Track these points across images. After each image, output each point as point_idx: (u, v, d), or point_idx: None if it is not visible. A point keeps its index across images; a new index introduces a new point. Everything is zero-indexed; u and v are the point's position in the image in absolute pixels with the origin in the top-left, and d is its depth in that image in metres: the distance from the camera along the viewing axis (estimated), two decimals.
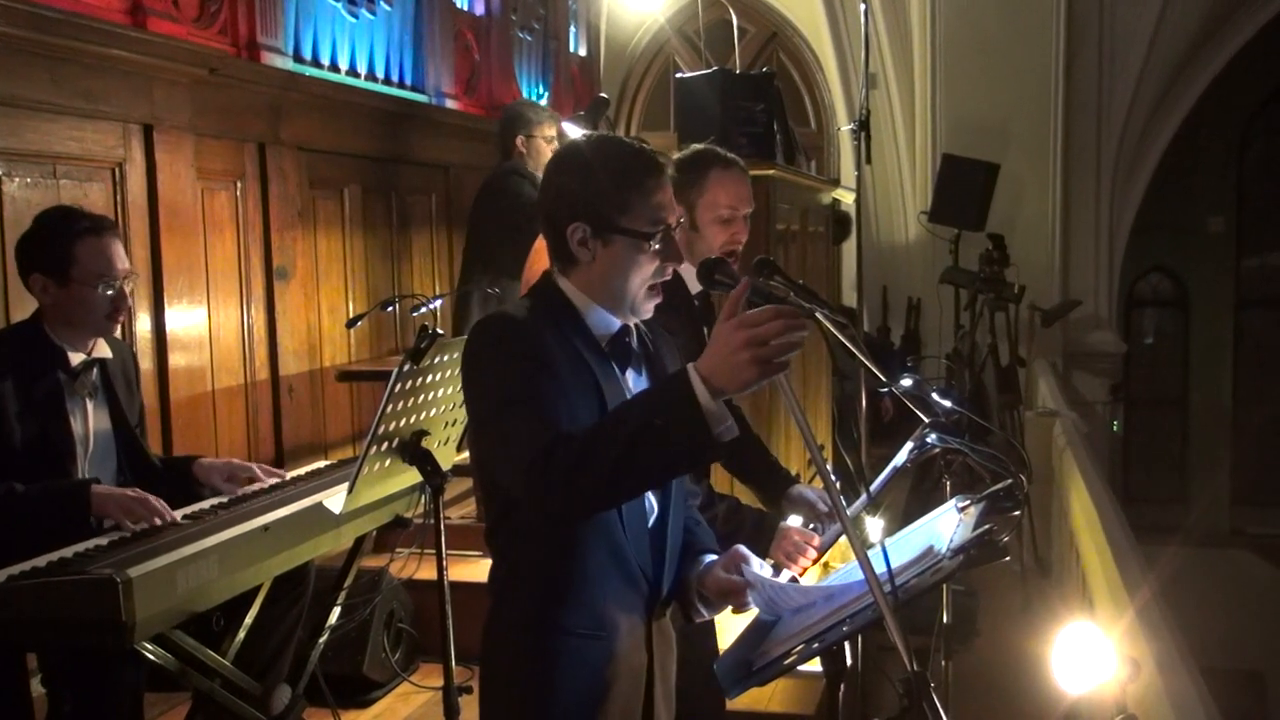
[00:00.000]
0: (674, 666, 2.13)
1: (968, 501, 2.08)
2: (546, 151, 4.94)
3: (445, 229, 6.32)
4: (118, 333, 3.13)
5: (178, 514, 2.78)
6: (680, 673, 2.16)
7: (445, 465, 2.71)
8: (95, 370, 2.92)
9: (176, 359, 4.28)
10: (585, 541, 1.91)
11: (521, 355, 1.84)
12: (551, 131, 4.96)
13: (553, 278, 2.00)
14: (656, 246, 1.93)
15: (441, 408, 2.72)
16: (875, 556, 1.81)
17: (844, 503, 1.85)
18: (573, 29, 8.63)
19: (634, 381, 2.01)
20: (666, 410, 1.67)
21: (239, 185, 4.73)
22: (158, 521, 2.69)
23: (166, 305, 4.24)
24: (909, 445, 2.68)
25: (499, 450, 1.86)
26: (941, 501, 2.31)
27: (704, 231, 2.63)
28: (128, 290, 2.90)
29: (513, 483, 1.81)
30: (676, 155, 2.58)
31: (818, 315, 2.06)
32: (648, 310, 1.99)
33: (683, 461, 1.74)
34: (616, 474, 1.70)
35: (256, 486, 3.07)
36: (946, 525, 1.96)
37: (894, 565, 1.84)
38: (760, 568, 2.02)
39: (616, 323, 1.98)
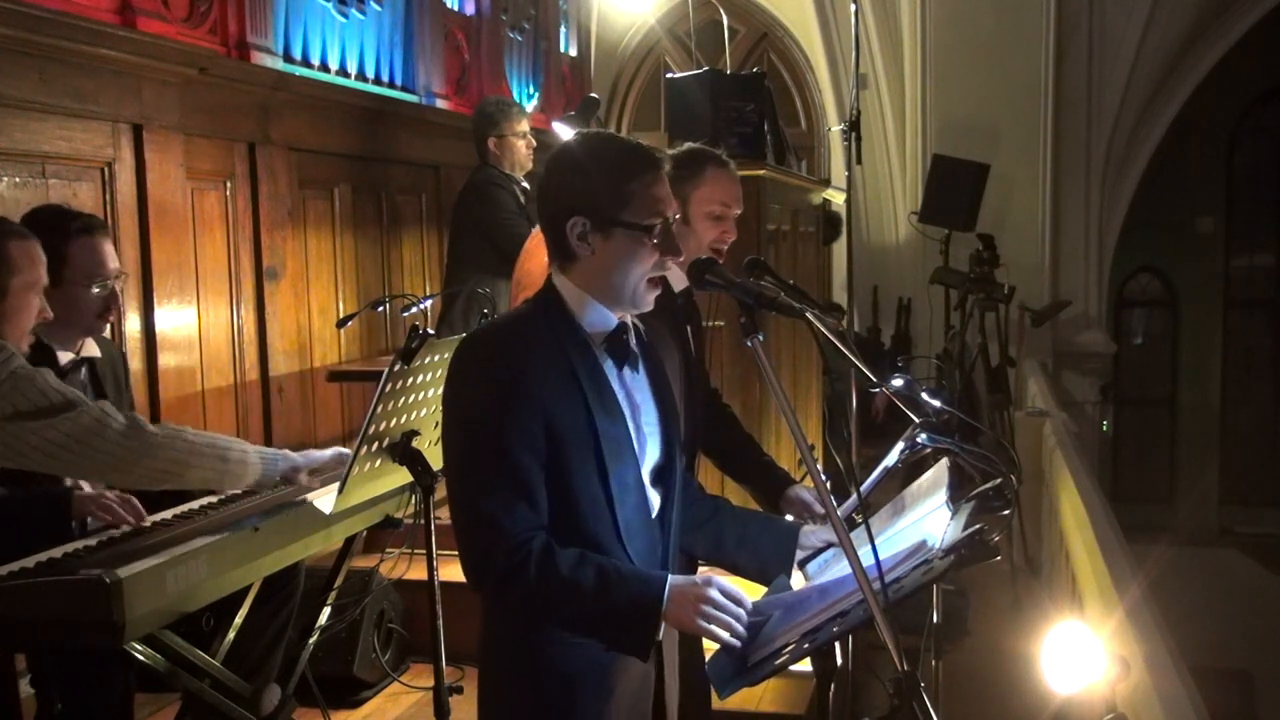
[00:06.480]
0: (676, 655, 2.15)
1: (958, 500, 2.08)
2: (520, 148, 4.89)
3: (435, 229, 6.31)
4: (107, 332, 3.12)
5: (168, 514, 2.78)
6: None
7: (435, 465, 2.71)
8: (85, 369, 2.91)
9: (166, 359, 4.26)
10: (579, 545, 1.91)
11: (492, 383, 1.88)
12: (522, 127, 4.89)
13: (551, 278, 2.01)
14: (656, 240, 1.94)
15: (432, 408, 2.71)
16: (865, 555, 1.82)
17: (835, 503, 1.86)
18: (563, 29, 8.62)
19: (630, 379, 2.02)
20: (627, 624, 1.88)
21: (229, 185, 4.72)
22: (132, 522, 2.65)
23: (156, 305, 4.22)
24: (899, 445, 2.68)
25: (452, 490, 1.95)
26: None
27: (696, 226, 2.67)
28: (119, 290, 2.90)
29: (457, 539, 1.92)
30: (671, 152, 2.62)
31: (808, 315, 2.07)
32: (648, 302, 2.01)
33: (613, 647, 1.93)
34: (551, 615, 1.91)
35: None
36: (937, 524, 1.97)
37: (884, 563, 1.85)
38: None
39: (614, 319, 1.99)
